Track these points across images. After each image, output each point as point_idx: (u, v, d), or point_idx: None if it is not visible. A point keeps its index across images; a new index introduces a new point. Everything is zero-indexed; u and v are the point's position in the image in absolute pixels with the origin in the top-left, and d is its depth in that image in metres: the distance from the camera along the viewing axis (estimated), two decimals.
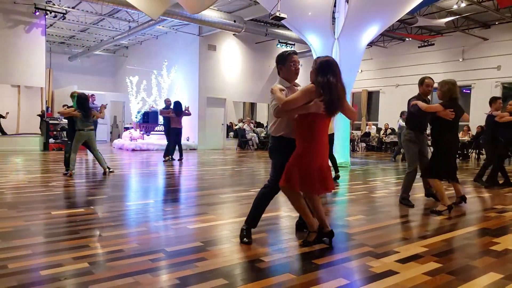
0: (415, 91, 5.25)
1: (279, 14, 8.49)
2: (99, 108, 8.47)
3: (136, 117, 15.82)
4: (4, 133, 14.17)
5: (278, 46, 16.23)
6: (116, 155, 12.33)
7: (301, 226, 3.67)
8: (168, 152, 10.37)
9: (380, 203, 5.39)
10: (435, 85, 5.06)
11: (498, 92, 14.91)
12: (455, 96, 4.74)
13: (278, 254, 3.07)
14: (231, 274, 2.64)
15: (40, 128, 13.63)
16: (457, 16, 14.06)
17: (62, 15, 13.76)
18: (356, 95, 19.51)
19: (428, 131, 5.25)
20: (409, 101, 5.09)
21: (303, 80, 3.30)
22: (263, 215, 3.47)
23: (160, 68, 16.19)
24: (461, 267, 2.89)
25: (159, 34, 17.93)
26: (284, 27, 13.04)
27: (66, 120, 7.99)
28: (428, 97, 5.24)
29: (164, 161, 10.23)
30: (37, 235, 3.42)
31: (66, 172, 7.25)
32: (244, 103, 19.76)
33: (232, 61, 16.93)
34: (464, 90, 15.95)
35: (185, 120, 11.05)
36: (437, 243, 3.48)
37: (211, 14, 13.00)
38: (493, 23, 15.16)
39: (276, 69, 3.44)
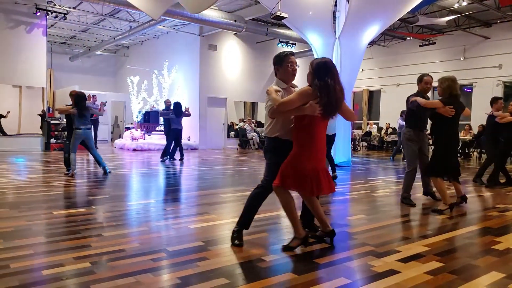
0: (416, 90, 5.23)
1: (280, 14, 8.48)
2: (99, 106, 8.48)
3: (137, 117, 15.83)
4: (4, 133, 14.19)
5: (279, 45, 16.22)
6: (117, 155, 12.34)
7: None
8: (165, 152, 10.41)
9: (381, 203, 5.38)
10: (435, 83, 5.04)
11: (499, 91, 14.89)
12: (455, 93, 4.70)
13: (279, 253, 3.06)
14: (232, 274, 2.64)
15: (41, 128, 13.65)
16: (458, 15, 14.01)
17: (63, 15, 13.79)
18: (357, 94, 19.49)
19: (428, 130, 5.24)
20: (408, 98, 5.05)
21: (300, 81, 3.28)
22: (264, 215, 3.47)
23: (161, 68, 16.19)
24: (463, 266, 2.88)
25: (160, 34, 17.94)
26: (285, 26, 13.02)
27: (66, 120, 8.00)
28: (428, 94, 5.22)
29: (161, 161, 10.28)
30: (38, 235, 3.43)
31: (67, 172, 7.25)
32: (245, 102, 19.76)
33: (233, 61, 16.92)
34: (465, 89, 15.93)
35: (186, 120, 11.06)
36: (438, 242, 3.47)
37: (211, 14, 12.99)
38: (494, 22, 15.12)
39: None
